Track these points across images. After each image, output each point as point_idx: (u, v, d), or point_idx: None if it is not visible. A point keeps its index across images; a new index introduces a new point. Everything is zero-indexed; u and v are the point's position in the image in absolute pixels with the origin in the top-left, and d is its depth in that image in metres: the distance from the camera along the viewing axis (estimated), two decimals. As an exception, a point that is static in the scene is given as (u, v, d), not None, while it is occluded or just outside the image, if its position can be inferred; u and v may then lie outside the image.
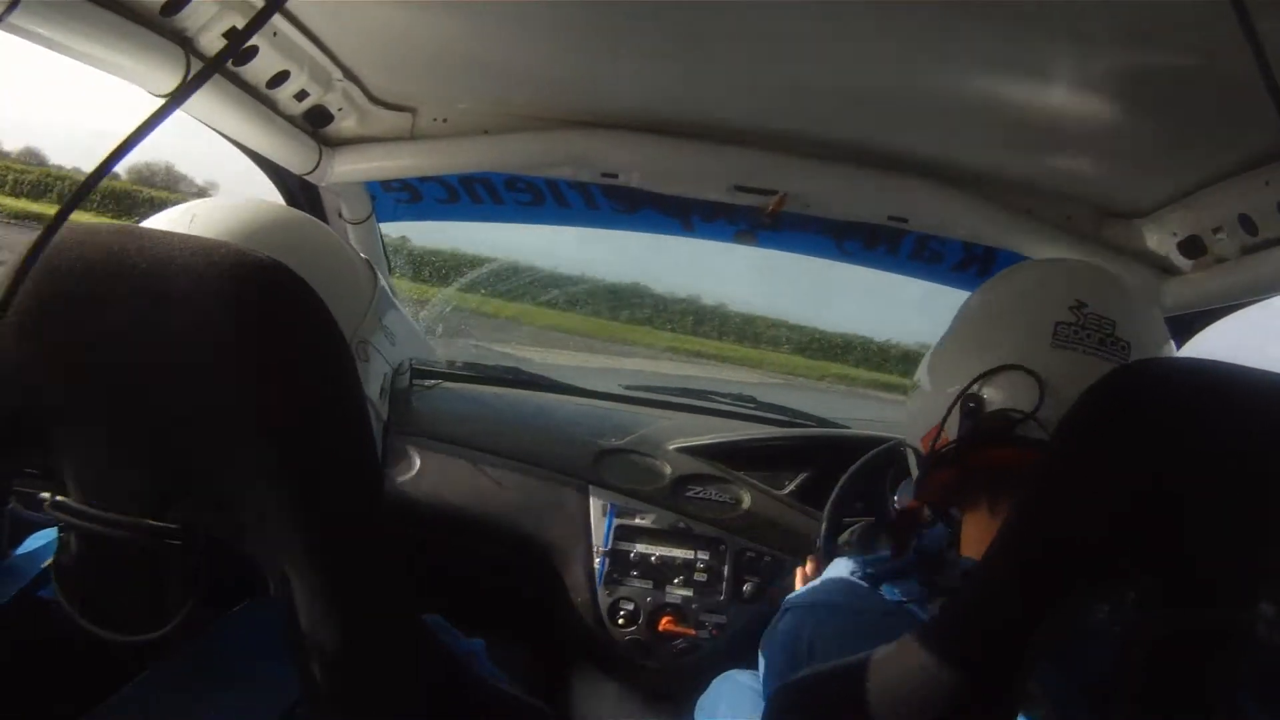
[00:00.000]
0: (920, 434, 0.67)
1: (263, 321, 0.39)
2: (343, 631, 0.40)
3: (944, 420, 0.62)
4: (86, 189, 0.33)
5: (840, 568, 0.67)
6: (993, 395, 0.60)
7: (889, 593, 0.61)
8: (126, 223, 0.46)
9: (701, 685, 1.07)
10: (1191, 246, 0.95)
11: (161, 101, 0.34)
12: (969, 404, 0.60)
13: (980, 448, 0.60)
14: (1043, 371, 0.57)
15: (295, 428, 0.38)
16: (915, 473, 0.70)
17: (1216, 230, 0.90)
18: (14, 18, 0.58)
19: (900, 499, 1.15)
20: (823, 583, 0.67)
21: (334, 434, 0.40)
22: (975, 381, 0.60)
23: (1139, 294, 0.67)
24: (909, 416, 0.71)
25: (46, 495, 0.41)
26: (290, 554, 0.39)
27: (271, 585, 0.41)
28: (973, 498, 0.63)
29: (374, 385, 0.60)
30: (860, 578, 0.64)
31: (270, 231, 0.55)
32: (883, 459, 1.23)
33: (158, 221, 0.54)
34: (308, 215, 0.62)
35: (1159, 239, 0.99)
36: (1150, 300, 0.67)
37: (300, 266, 0.39)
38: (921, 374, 0.71)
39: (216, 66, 0.66)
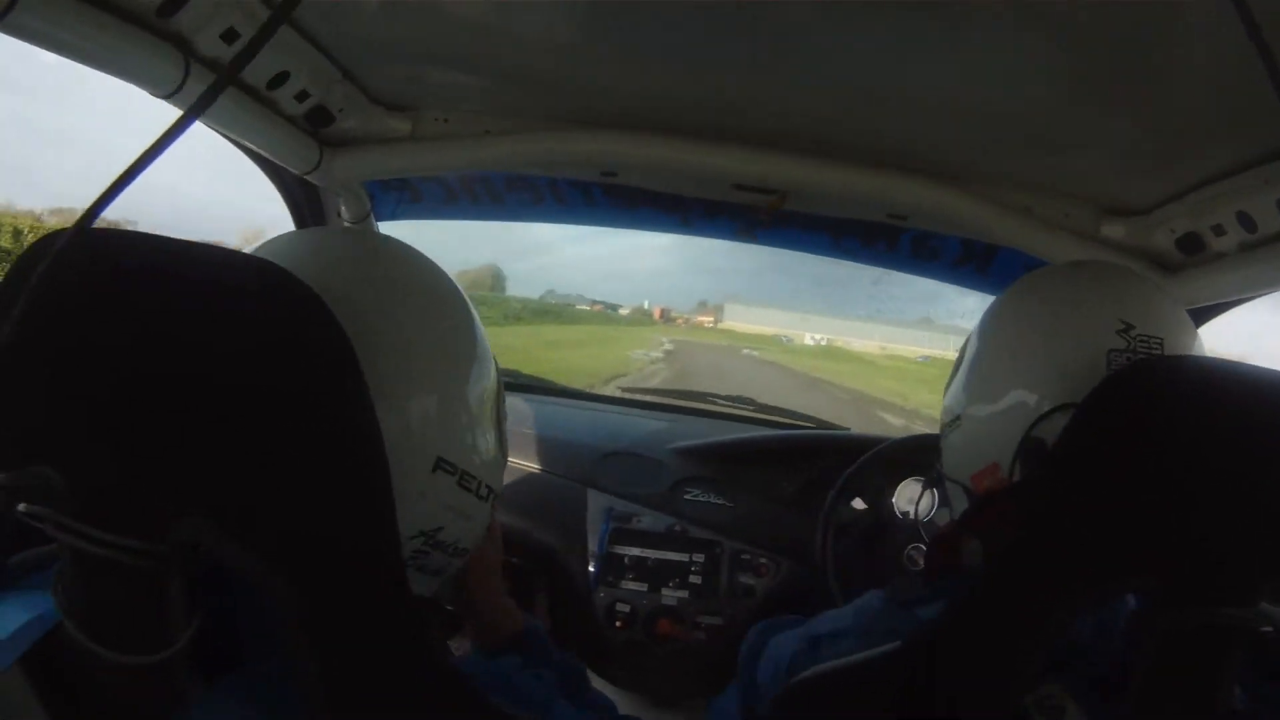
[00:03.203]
0: (970, 470, 0.63)
1: (272, 337, 0.38)
2: (338, 658, 0.39)
3: (1012, 466, 0.59)
4: (105, 202, 0.33)
5: (871, 597, 0.64)
6: (1050, 433, 0.56)
7: (924, 614, 0.59)
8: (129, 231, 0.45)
9: (697, 687, 1.05)
10: (1190, 243, 0.96)
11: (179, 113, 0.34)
12: (1029, 447, 0.58)
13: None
14: None
15: (298, 445, 0.38)
16: (954, 501, 0.67)
17: (1215, 227, 0.91)
18: (12, 18, 0.58)
19: (927, 520, 1.15)
20: (853, 609, 0.64)
21: (339, 456, 0.39)
22: (1034, 425, 0.57)
23: (1165, 292, 0.64)
24: (951, 449, 0.67)
25: (38, 509, 0.38)
26: (289, 578, 0.38)
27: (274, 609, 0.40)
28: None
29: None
30: (895, 604, 0.62)
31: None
32: (880, 460, 1.23)
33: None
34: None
35: (1158, 236, 1.00)
36: (1171, 296, 0.65)
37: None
38: (958, 401, 0.66)
39: (230, 79, 0.65)
